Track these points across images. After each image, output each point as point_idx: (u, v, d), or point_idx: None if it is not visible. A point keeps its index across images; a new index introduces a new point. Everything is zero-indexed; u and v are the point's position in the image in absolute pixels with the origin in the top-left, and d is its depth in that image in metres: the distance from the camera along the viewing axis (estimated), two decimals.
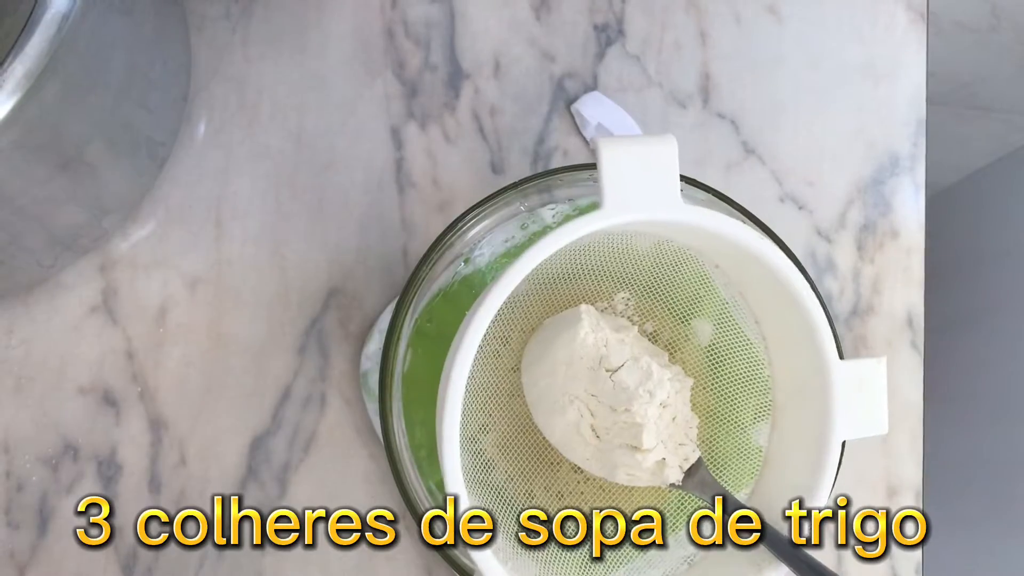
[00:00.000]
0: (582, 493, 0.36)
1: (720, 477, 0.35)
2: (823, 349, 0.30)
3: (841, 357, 0.32)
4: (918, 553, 0.46)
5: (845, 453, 0.34)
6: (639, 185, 0.28)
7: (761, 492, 0.34)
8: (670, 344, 0.36)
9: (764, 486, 0.33)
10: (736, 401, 0.35)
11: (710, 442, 0.35)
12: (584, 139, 0.47)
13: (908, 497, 0.46)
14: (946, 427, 0.82)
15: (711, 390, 0.36)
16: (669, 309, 0.36)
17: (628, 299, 0.35)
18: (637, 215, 0.28)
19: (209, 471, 0.43)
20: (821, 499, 0.30)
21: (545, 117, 0.47)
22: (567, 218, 0.37)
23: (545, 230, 0.37)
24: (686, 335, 0.36)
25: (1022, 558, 0.72)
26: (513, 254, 0.38)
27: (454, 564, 0.32)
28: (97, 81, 0.34)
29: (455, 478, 0.29)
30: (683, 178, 0.35)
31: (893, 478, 0.46)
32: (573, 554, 0.35)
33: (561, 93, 0.47)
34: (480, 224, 0.35)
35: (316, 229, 0.45)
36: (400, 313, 0.34)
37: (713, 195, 0.35)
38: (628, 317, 0.36)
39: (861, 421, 0.30)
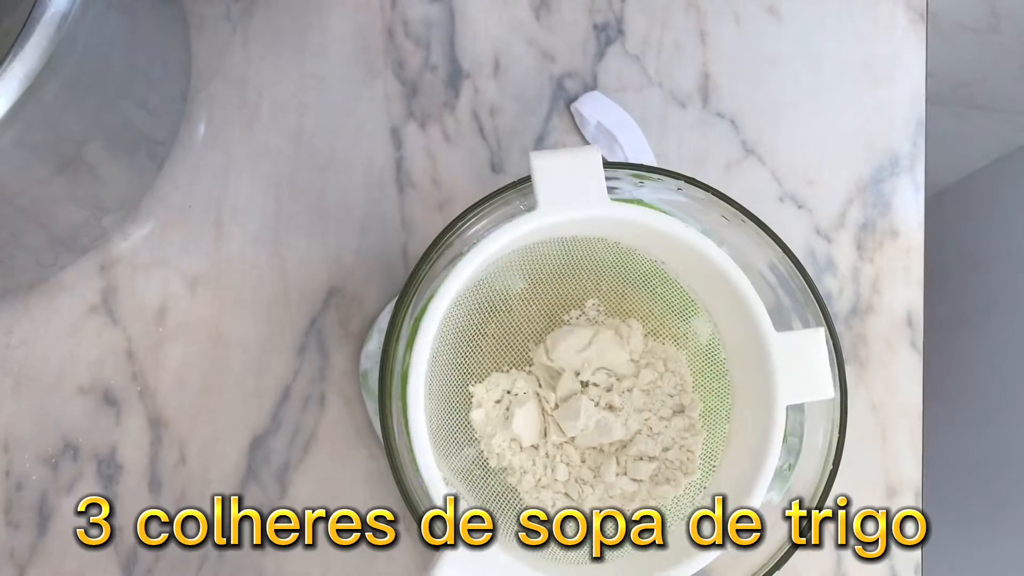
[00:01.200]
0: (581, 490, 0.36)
1: (707, 429, 0.36)
2: (759, 322, 0.33)
3: (839, 360, 0.34)
4: (918, 553, 0.46)
5: (844, 453, 0.34)
6: (568, 188, 0.32)
7: (726, 468, 0.35)
8: (657, 334, 0.38)
9: (728, 462, 0.35)
10: (713, 385, 0.37)
11: (710, 426, 0.37)
12: (584, 138, 0.47)
13: (908, 497, 0.46)
14: (946, 427, 0.82)
15: (702, 376, 0.37)
16: (644, 306, 0.38)
17: (598, 304, 0.38)
18: (567, 213, 0.32)
19: (209, 471, 0.43)
20: (771, 461, 0.32)
21: (545, 116, 0.47)
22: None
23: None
24: (672, 329, 0.37)
25: (1022, 558, 0.72)
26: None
27: None
28: (97, 80, 0.34)
29: (432, 476, 0.31)
30: (683, 177, 0.35)
31: (893, 478, 0.46)
32: (571, 553, 0.35)
33: (561, 93, 0.47)
34: (480, 223, 0.35)
35: (316, 229, 0.45)
36: (400, 312, 0.34)
37: (713, 194, 0.35)
38: (598, 320, 0.38)
39: (804, 387, 0.33)
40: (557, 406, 0.36)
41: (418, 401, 0.31)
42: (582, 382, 0.36)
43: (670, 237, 0.33)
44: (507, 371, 0.37)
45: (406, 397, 0.31)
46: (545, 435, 0.36)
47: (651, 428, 0.36)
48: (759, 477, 0.32)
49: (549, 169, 0.32)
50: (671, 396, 0.36)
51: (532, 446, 0.35)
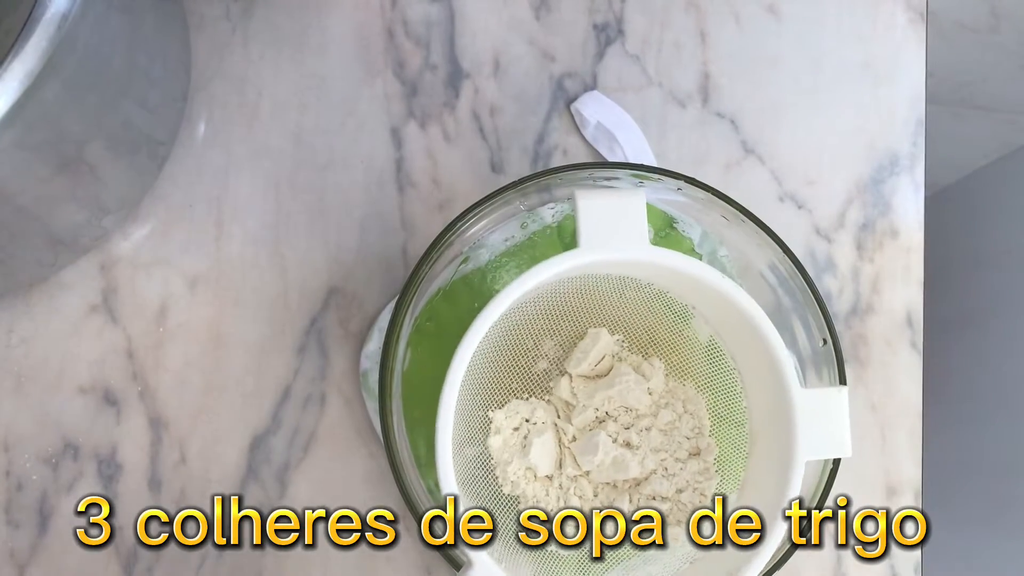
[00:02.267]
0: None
1: (721, 474, 0.35)
2: (784, 377, 0.33)
3: (839, 359, 0.32)
4: (918, 553, 0.46)
5: None
6: (611, 229, 0.32)
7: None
8: (680, 375, 0.37)
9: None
10: (731, 431, 0.37)
11: (724, 472, 0.36)
12: (584, 138, 0.47)
13: (908, 497, 0.46)
14: (946, 427, 0.82)
15: (721, 421, 0.37)
16: (669, 346, 0.37)
17: (621, 340, 0.37)
18: (607, 254, 0.32)
19: (209, 471, 0.43)
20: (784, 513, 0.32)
21: (545, 116, 0.47)
22: (562, 224, 0.38)
23: (545, 229, 0.38)
24: (695, 372, 0.37)
25: (1022, 558, 0.72)
26: (512, 253, 0.38)
27: (454, 563, 0.33)
28: (97, 80, 0.34)
29: (448, 479, 0.31)
30: (683, 177, 0.35)
31: (893, 478, 0.46)
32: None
33: (561, 92, 0.47)
34: (480, 223, 0.35)
35: (316, 229, 0.45)
36: (400, 312, 0.34)
37: (713, 194, 0.35)
38: (621, 356, 0.37)
39: (824, 444, 0.33)
40: (575, 438, 0.36)
41: (447, 439, 0.31)
42: (598, 418, 0.36)
43: (704, 284, 0.33)
44: (527, 399, 0.36)
45: (435, 441, 0.31)
46: (560, 466, 0.35)
47: (667, 469, 0.35)
48: (774, 529, 0.32)
49: (594, 209, 0.32)
50: (688, 439, 0.36)
51: (547, 476, 0.35)
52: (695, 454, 0.36)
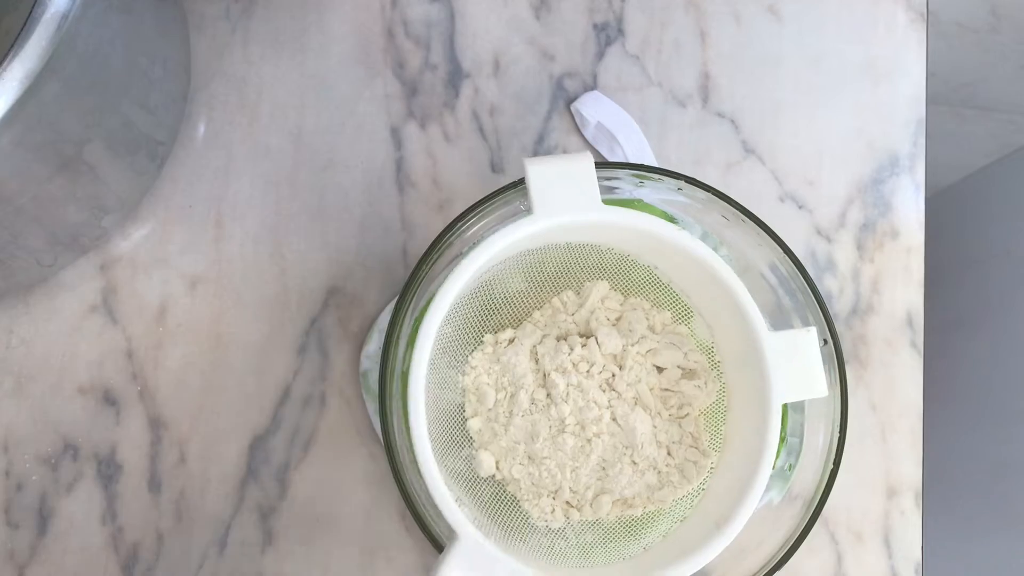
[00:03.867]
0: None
1: (717, 460, 0.36)
2: (752, 323, 0.33)
3: (840, 360, 0.34)
4: (918, 553, 0.46)
5: (844, 453, 0.34)
6: (562, 193, 0.33)
7: (723, 470, 0.35)
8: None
9: (725, 465, 0.35)
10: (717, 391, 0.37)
11: (708, 429, 0.37)
12: (584, 138, 0.47)
13: (908, 497, 0.46)
14: (946, 427, 0.82)
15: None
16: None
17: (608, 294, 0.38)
18: (561, 218, 0.33)
19: (209, 471, 0.43)
20: (767, 460, 0.33)
21: (545, 116, 0.47)
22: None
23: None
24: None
25: (1022, 558, 0.72)
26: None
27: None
28: (96, 80, 0.34)
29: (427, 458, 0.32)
30: (683, 177, 0.35)
31: (893, 478, 0.46)
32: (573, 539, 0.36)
33: (561, 92, 0.47)
34: (480, 223, 0.35)
35: (316, 229, 0.45)
36: (400, 312, 0.34)
37: (713, 194, 0.35)
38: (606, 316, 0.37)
39: (797, 385, 0.33)
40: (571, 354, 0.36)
41: (419, 408, 0.31)
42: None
43: (660, 239, 0.34)
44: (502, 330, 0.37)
45: (407, 404, 0.31)
46: (538, 437, 0.35)
47: (656, 429, 0.36)
48: (756, 477, 0.33)
49: (543, 175, 0.33)
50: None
51: (528, 457, 0.35)
52: (684, 416, 0.36)
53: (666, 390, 0.36)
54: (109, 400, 0.43)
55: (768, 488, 0.37)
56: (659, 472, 0.36)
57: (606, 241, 0.35)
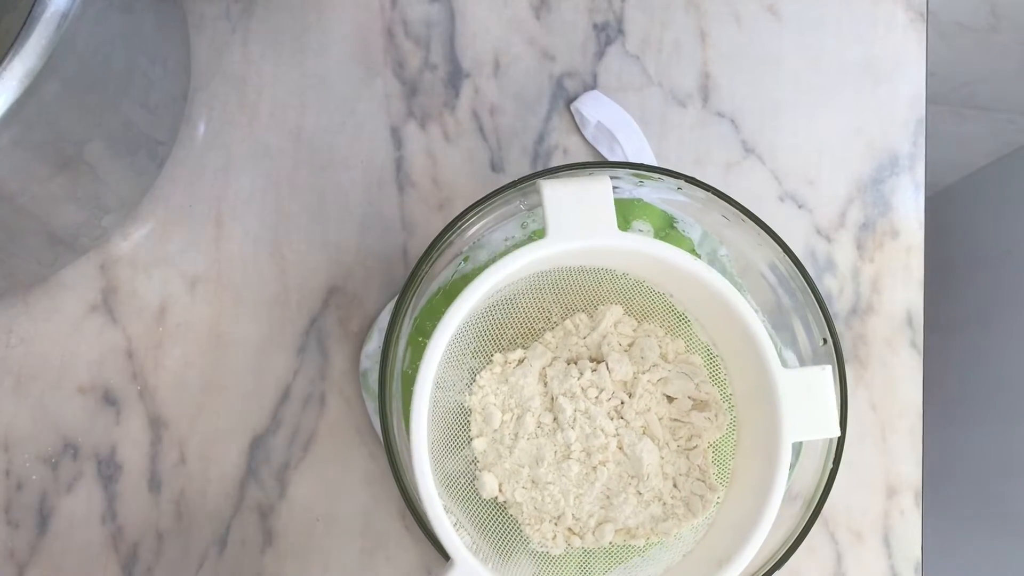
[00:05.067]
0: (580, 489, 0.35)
1: (716, 465, 0.36)
2: (766, 360, 0.33)
3: (839, 359, 0.33)
4: (918, 553, 0.46)
5: (844, 453, 0.34)
6: (577, 216, 0.32)
7: (731, 503, 0.34)
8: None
9: (732, 498, 0.35)
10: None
11: (716, 462, 0.36)
12: (584, 138, 0.47)
13: (908, 497, 0.46)
14: (946, 427, 0.82)
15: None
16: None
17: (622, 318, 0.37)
18: (577, 243, 0.32)
19: (209, 470, 0.43)
20: (776, 497, 0.32)
21: (545, 116, 0.47)
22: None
23: (533, 236, 0.38)
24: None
25: (1021, 558, 0.72)
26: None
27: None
28: (97, 79, 0.34)
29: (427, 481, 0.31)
30: (683, 176, 0.35)
31: (893, 478, 0.46)
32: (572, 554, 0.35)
33: (561, 92, 0.47)
34: (480, 223, 0.35)
35: (316, 228, 0.45)
36: (400, 312, 0.34)
37: (713, 194, 0.35)
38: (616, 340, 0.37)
39: (810, 424, 0.33)
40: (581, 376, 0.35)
41: (422, 442, 0.31)
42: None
43: (676, 268, 0.33)
44: (513, 350, 0.36)
45: (410, 435, 0.31)
46: (543, 461, 0.35)
47: (664, 460, 0.35)
48: (763, 515, 0.32)
49: (559, 198, 0.32)
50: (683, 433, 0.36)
51: (532, 481, 0.35)
52: (691, 448, 0.35)
53: (675, 420, 0.35)
54: (109, 400, 0.43)
55: None
56: (664, 504, 0.35)
57: (621, 265, 0.35)
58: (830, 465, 0.34)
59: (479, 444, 0.35)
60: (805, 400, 0.33)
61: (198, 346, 0.44)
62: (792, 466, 0.36)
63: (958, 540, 0.79)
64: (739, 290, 0.37)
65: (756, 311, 0.38)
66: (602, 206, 0.32)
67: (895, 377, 0.47)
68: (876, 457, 0.46)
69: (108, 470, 0.43)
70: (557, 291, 0.35)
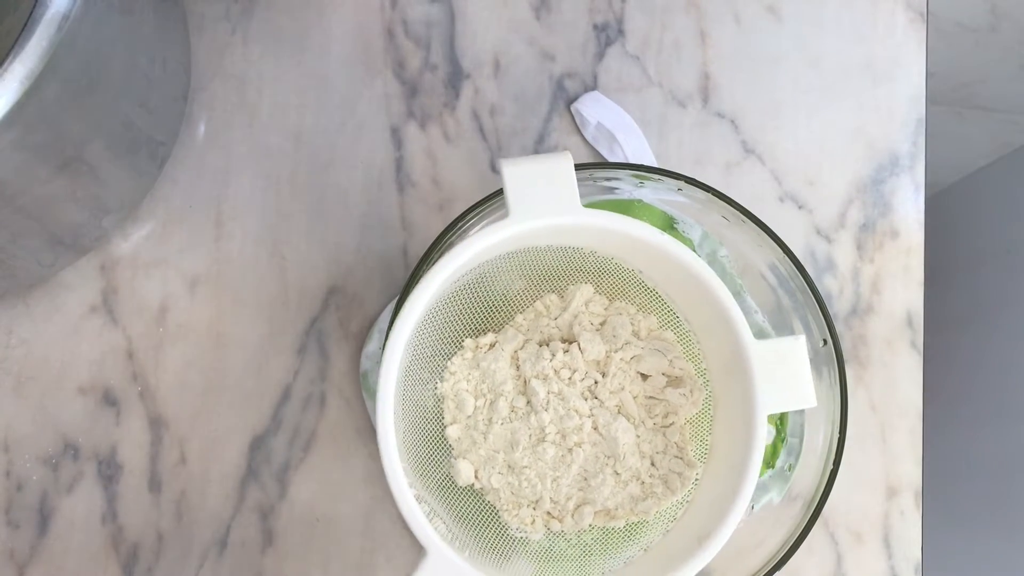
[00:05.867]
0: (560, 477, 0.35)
1: (703, 470, 0.35)
2: (737, 331, 0.32)
3: (840, 360, 0.32)
4: (918, 553, 0.46)
5: (844, 453, 0.34)
6: (540, 195, 0.31)
7: (708, 480, 0.34)
8: None
9: (710, 475, 0.34)
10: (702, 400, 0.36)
11: (694, 439, 0.36)
12: (584, 138, 0.47)
13: (908, 497, 0.46)
14: (946, 427, 0.82)
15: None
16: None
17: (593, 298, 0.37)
18: (540, 220, 0.31)
19: (209, 471, 0.43)
20: (752, 473, 0.32)
21: (545, 117, 0.47)
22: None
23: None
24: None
25: (1021, 558, 0.72)
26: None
27: None
28: (97, 80, 0.34)
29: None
30: (683, 177, 0.35)
31: (893, 478, 0.46)
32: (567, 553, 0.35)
33: (561, 93, 0.47)
34: (480, 223, 0.35)
35: (316, 228, 0.45)
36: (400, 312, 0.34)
37: (713, 194, 0.35)
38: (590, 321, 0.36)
39: (785, 395, 0.32)
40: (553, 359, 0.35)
41: (388, 425, 0.30)
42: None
43: (643, 243, 0.32)
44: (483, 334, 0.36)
45: (377, 418, 0.30)
46: (518, 445, 0.35)
47: (640, 439, 0.35)
48: (740, 491, 0.31)
49: (520, 177, 0.31)
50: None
51: (508, 466, 0.35)
52: (667, 426, 0.35)
53: (651, 398, 0.35)
54: (109, 400, 0.43)
55: (768, 488, 0.37)
56: (642, 483, 0.35)
57: (589, 244, 0.34)
58: (830, 466, 0.34)
59: (453, 431, 0.35)
60: (779, 371, 0.32)
61: (198, 346, 0.44)
62: (792, 467, 0.36)
63: (958, 540, 0.79)
64: (739, 290, 0.37)
65: (755, 311, 0.38)
66: (564, 183, 0.32)
67: (895, 377, 0.47)
68: (876, 457, 0.46)
69: (108, 470, 0.43)
70: (526, 272, 0.35)
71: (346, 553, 0.43)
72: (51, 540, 0.42)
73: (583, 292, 0.36)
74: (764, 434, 0.32)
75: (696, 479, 0.34)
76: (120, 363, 0.44)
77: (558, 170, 0.32)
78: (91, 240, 0.43)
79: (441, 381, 0.35)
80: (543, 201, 0.31)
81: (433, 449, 0.35)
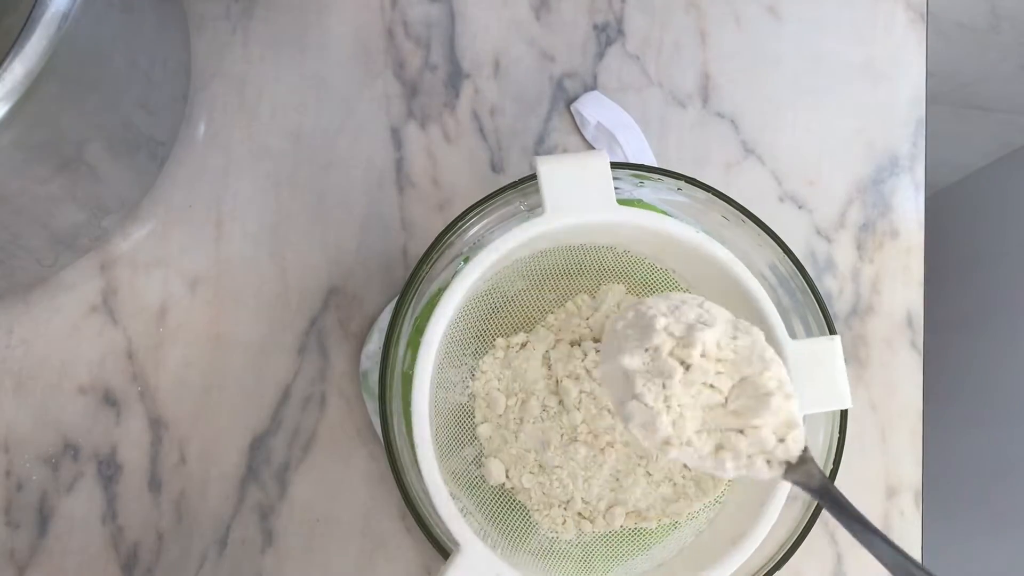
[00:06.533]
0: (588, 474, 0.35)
1: None
2: (774, 331, 0.32)
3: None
4: (918, 553, 0.46)
5: (844, 453, 0.34)
6: (575, 193, 0.31)
7: (741, 485, 0.34)
8: None
9: (743, 478, 0.34)
10: None
11: None
12: (584, 138, 0.47)
13: (908, 497, 0.46)
14: (946, 427, 0.82)
15: None
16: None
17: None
18: (574, 218, 0.31)
19: (209, 471, 0.43)
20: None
21: (545, 117, 0.47)
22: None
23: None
24: None
25: (1021, 558, 0.72)
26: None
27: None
28: (97, 80, 0.34)
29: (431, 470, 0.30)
30: (683, 177, 0.35)
31: (893, 478, 0.46)
32: (572, 553, 0.35)
33: (561, 93, 0.47)
34: (480, 223, 0.35)
35: (316, 229, 0.45)
36: (400, 312, 0.34)
37: (713, 194, 0.35)
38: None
39: (821, 396, 0.32)
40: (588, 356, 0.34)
41: (424, 423, 0.30)
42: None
43: (678, 242, 0.32)
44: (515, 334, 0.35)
45: (409, 417, 0.30)
46: (551, 445, 0.34)
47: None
48: (776, 492, 0.31)
49: (555, 174, 0.31)
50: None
51: (539, 466, 0.34)
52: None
53: None
54: (109, 400, 0.43)
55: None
56: (675, 484, 0.34)
57: (622, 243, 0.34)
58: (830, 466, 0.34)
59: (484, 430, 0.34)
60: (815, 372, 0.32)
61: (198, 346, 0.44)
62: None
63: (958, 540, 0.79)
64: None
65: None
66: (600, 181, 0.31)
67: (895, 377, 0.47)
68: (876, 457, 0.46)
69: (108, 470, 0.43)
70: (558, 272, 0.35)
71: (346, 553, 0.43)
72: (51, 540, 0.42)
73: (615, 292, 0.35)
74: (802, 436, 0.32)
75: (729, 480, 0.34)
76: (120, 363, 0.44)
77: (594, 168, 0.31)
78: (91, 240, 0.43)
79: (472, 380, 0.35)
80: (579, 198, 0.31)
81: (459, 442, 0.35)
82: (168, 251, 0.45)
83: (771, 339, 0.32)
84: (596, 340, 0.35)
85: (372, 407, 0.43)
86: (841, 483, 0.34)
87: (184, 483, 0.43)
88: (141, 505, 0.43)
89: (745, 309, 0.33)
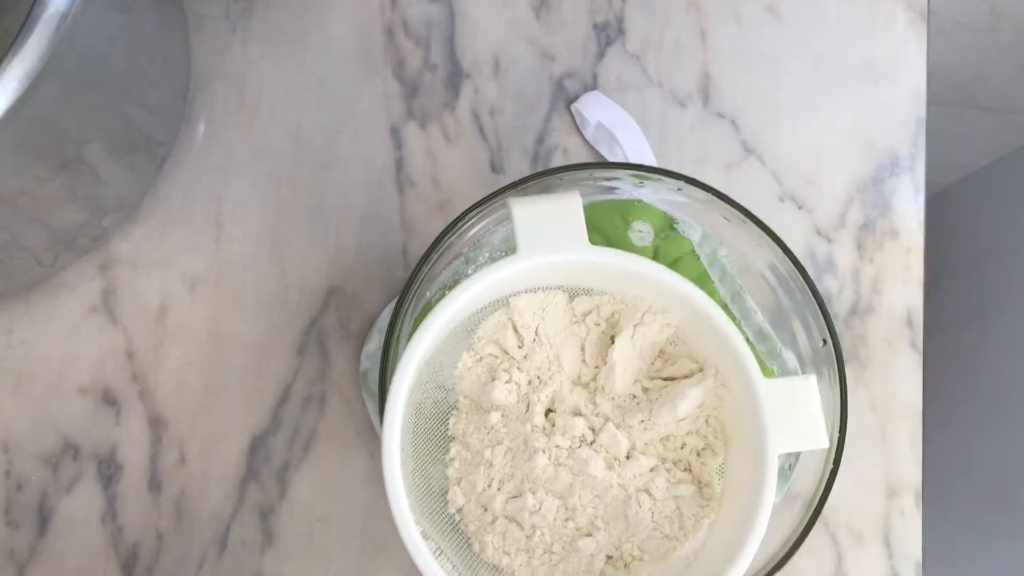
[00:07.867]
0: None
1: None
2: (747, 369, 0.32)
3: (839, 360, 0.32)
4: (919, 553, 0.46)
5: (844, 453, 0.34)
6: (548, 233, 0.32)
7: (719, 525, 0.33)
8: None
9: (721, 518, 0.34)
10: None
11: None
12: (584, 138, 0.47)
13: (908, 497, 0.46)
14: (946, 427, 0.82)
15: None
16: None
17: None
18: (548, 257, 0.32)
19: (209, 471, 0.43)
20: (763, 515, 0.31)
21: (545, 116, 0.47)
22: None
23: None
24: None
25: (1022, 558, 0.72)
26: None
27: None
28: (96, 80, 0.34)
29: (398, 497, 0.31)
30: (683, 177, 0.35)
31: (893, 478, 0.46)
32: None
33: (561, 92, 0.47)
34: (480, 223, 0.35)
35: (316, 228, 0.45)
36: (400, 312, 0.34)
37: (713, 195, 0.35)
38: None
39: (796, 435, 0.32)
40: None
41: (396, 475, 0.30)
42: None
43: (650, 281, 0.32)
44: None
45: (383, 466, 0.30)
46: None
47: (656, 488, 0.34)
48: (749, 536, 0.31)
49: (529, 215, 0.32)
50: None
51: (503, 516, 0.33)
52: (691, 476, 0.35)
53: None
54: (109, 400, 0.43)
55: None
56: (656, 525, 0.33)
57: (600, 284, 0.34)
58: (830, 466, 0.34)
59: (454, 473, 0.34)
60: (790, 410, 0.32)
61: (198, 346, 0.44)
62: (791, 466, 0.36)
63: (959, 540, 0.79)
64: (738, 291, 0.37)
65: (755, 311, 0.37)
66: (573, 221, 0.32)
67: (895, 377, 0.47)
68: (876, 457, 0.46)
69: (108, 470, 0.43)
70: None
71: (346, 553, 0.43)
72: (51, 540, 0.42)
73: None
74: (774, 476, 0.31)
75: (710, 523, 0.33)
76: (120, 363, 0.44)
77: (566, 208, 0.32)
78: (91, 240, 0.43)
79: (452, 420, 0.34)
80: (552, 237, 0.32)
81: (440, 486, 0.34)
82: (168, 251, 0.45)
83: (744, 381, 0.32)
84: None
85: (372, 407, 0.43)
86: (841, 483, 0.34)
87: (184, 483, 0.43)
88: (141, 505, 0.43)
89: (719, 347, 0.33)
